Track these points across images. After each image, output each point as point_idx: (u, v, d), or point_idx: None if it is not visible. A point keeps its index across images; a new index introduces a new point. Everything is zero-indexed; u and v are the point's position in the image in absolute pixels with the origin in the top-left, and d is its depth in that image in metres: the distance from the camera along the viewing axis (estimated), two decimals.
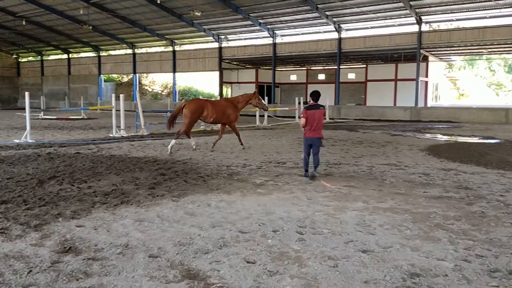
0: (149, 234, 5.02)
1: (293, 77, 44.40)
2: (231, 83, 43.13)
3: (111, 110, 17.53)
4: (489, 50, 33.08)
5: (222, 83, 41.14)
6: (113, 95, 17.46)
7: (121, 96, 17.21)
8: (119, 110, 16.89)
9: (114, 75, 53.97)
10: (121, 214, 5.83)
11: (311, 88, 40.91)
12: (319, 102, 8.85)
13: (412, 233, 5.07)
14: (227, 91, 44.36)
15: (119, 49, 48.39)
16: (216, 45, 40.05)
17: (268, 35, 36.68)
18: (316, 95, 8.86)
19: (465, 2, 27.16)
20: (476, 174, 9.00)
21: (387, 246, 4.63)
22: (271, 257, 4.32)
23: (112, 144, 14.11)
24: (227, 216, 5.76)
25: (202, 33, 39.00)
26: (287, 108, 29.23)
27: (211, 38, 39.78)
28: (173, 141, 12.08)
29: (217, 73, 41.23)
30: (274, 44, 36.46)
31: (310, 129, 8.67)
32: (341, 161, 10.81)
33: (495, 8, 27.47)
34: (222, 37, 39.49)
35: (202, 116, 12.34)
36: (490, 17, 29.14)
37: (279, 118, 29.04)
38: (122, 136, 16.15)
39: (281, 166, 10.00)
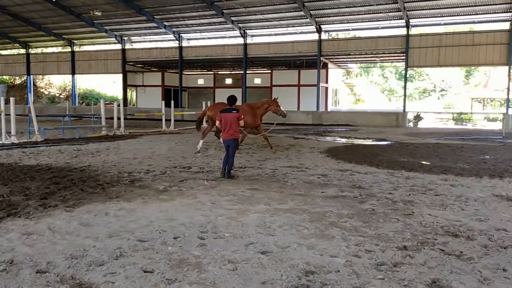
0: (38, 248, 4.66)
1: (201, 81, 44.25)
2: (136, 86, 41.79)
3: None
4: (382, 58, 35.81)
5: (126, 86, 39.71)
6: (2, 98, 15.99)
7: (12, 99, 15.84)
8: (9, 115, 15.53)
9: (5, 77, 49.58)
10: (7, 228, 5.35)
11: (219, 92, 41.28)
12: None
13: (309, 232, 5.29)
14: (132, 95, 42.91)
15: (10, 49, 44.57)
16: (119, 46, 38.56)
17: (174, 38, 36.19)
18: (231, 99, 9.46)
19: (360, 13, 29.18)
20: (368, 174, 9.65)
21: (285, 246, 4.77)
22: (171, 264, 4.23)
23: (0, 151, 12.92)
24: (126, 225, 5.54)
25: (104, 33, 37.34)
26: (194, 113, 29.00)
27: (113, 39, 38.20)
28: (200, 142, 13.52)
29: (120, 76, 39.72)
30: (181, 47, 36.06)
31: (224, 131, 9.09)
32: (246, 164, 10.97)
33: (386, 20, 29.85)
34: (126, 38, 38.16)
35: None
36: (382, 27, 31.63)
37: (187, 122, 28.73)
38: (12, 143, 14.85)
39: (186, 171, 9.88)
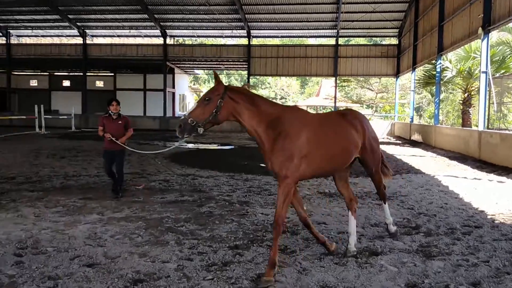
0: None
1: (34, 83, 40.15)
2: None
3: None
4: (226, 65, 37.14)
5: None
6: None
7: None
8: None
9: None
10: None
11: (55, 95, 37.98)
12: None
13: (142, 240, 5.13)
14: None
15: None
16: None
17: (1, 34, 32.18)
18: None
19: (204, 20, 29.87)
20: (210, 178, 9.84)
21: (115, 256, 4.54)
22: None
23: None
24: None
25: None
26: (24, 117, 26.09)
27: None
28: None
29: None
30: (9, 45, 32.31)
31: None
32: (82, 172, 10.25)
33: (229, 29, 31.08)
34: None
35: None
36: (226, 36, 32.90)
37: (17, 128, 25.67)
38: None
39: (9, 181, 8.80)
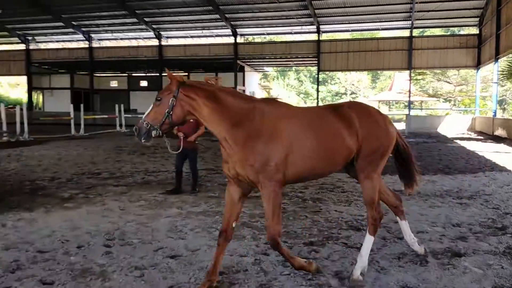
0: None
1: (114, 83, 42.60)
2: (43, 88, 39.19)
3: None
4: (296, 62, 37.04)
5: (31, 89, 37.13)
6: None
7: None
8: None
9: None
10: None
11: (133, 95, 40.03)
12: None
13: None
14: (38, 98, 40.15)
15: None
16: (23, 46, 35.97)
17: (84, 38, 34.51)
18: None
19: (273, 18, 29.95)
20: None
21: (196, 249, 4.74)
22: (72, 275, 4.02)
23: None
24: (25, 236, 5.17)
25: (5, 33, 34.58)
26: (106, 116, 27.82)
27: (16, 39, 35.53)
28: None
29: (25, 78, 37.01)
30: (91, 48, 34.49)
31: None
32: (160, 168, 10.75)
33: (298, 25, 30.93)
34: (30, 38, 35.67)
35: None
36: (295, 32, 32.75)
37: (99, 127, 27.48)
38: None
39: (95, 177, 9.45)
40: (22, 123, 18.56)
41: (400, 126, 32.87)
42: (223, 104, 3.69)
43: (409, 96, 31.35)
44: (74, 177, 9.39)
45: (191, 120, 7.84)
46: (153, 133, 3.66)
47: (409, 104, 32.20)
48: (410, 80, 31.24)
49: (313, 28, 30.84)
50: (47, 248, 4.76)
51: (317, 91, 34.01)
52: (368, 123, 3.98)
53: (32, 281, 3.86)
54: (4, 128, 18.27)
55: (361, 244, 4.84)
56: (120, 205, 6.79)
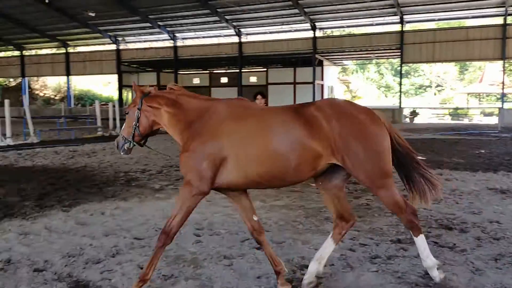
0: (35, 247, 4.68)
1: (196, 80, 44.19)
2: (131, 86, 41.66)
3: None
4: (377, 54, 35.90)
5: (121, 86, 39.65)
6: None
7: (6, 101, 15.83)
8: (4, 117, 15.53)
9: (0, 79, 49.43)
10: (4, 228, 5.37)
11: (214, 91, 41.25)
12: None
13: (304, 228, 5.33)
14: (127, 95, 42.82)
15: (4, 51, 44.44)
16: (113, 47, 38.51)
17: (169, 38, 36.16)
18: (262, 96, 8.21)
19: (354, 10, 29.21)
20: None
21: (281, 241, 4.82)
22: (167, 261, 4.27)
23: None
24: (122, 224, 5.57)
25: (98, 34, 37.25)
26: None
27: (108, 39, 38.12)
28: None
29: (115, 76, 39.66)
30: (175, 47, 36.04)
31: None
32: None
33: (380, 16, 29.91)
34: (120, 39, 38.10)
35: None
36: (377, 24, 31.69)
37: None
38: (8, 145, 14.85)
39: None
40: (114, 119, 19.93)
41: (492, 120, 30.65)
42: (182, 108, 3.68)
43: (503, 88, 29.11)
44: (163, 169, 9.93)
45: None
46: (126, 146, 3.80)
47: (502, 97, 29.91)
48: (504, 71, 28.98)
49: (395, 18, 29.67)
50: (142, 235, 5.10)
51: (400, 84, 32.65)
52: (346, 125, 3.40)
53: (131, 265, 4.17)
54: (99, 123, 19.73)
55: (454, 244, 4.64)
56: (206, 197, 7.04)
